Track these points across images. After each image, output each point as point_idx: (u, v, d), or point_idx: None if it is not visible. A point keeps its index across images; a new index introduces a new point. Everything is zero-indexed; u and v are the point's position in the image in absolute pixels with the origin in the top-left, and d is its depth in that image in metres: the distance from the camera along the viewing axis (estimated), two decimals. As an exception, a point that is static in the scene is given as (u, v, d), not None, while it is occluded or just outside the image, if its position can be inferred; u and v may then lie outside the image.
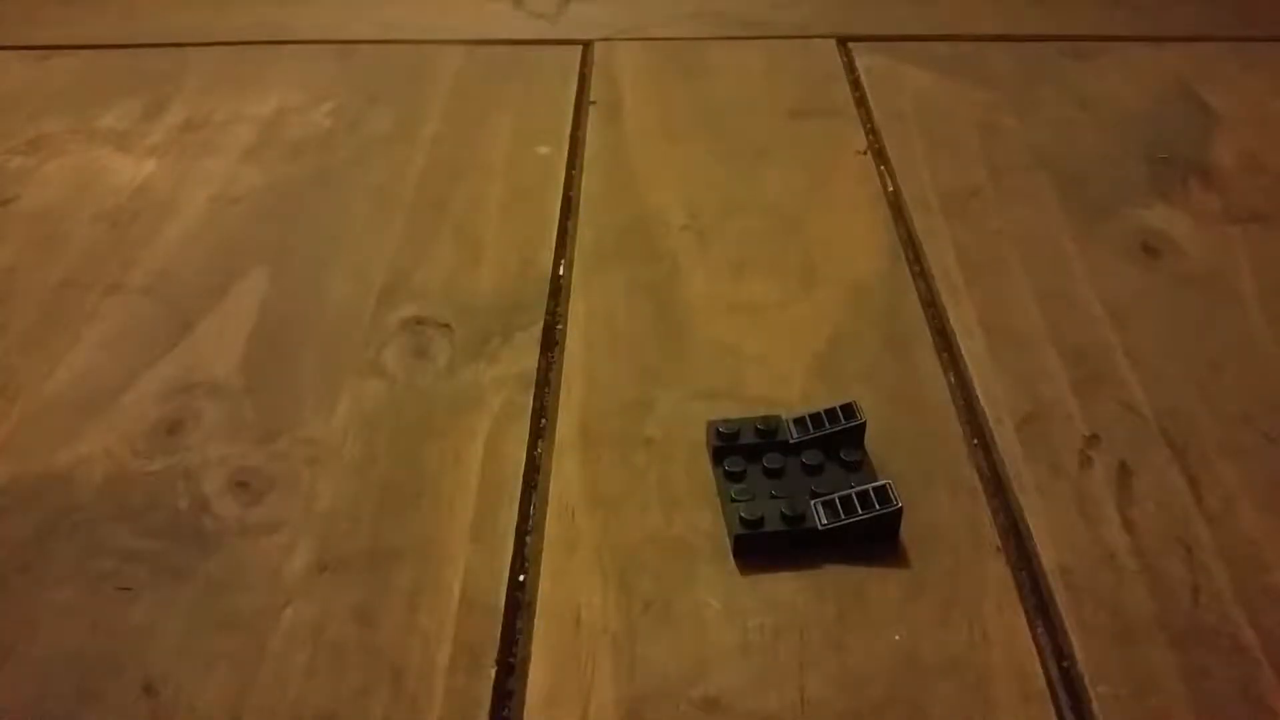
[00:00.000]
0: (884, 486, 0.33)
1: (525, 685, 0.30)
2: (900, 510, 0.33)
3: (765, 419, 0.37)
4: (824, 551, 0.33)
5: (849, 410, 0.36)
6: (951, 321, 0.43)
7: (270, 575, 0.33)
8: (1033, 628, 0.31)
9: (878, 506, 0.33)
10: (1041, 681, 0.30)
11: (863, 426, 0.36)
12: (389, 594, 0.32)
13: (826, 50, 0.65)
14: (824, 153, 0.55)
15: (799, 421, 0.37)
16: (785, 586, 0.33)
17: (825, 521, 0.33)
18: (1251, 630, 0.31)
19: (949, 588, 0.32)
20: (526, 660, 0.30)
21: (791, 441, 0.36)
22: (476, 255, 0.47)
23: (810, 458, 0.36)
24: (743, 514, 0.33)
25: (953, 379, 0.40)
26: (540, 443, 0.38)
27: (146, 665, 0.30)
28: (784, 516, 0.33)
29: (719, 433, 0.36)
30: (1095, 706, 0.29)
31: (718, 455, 0.36)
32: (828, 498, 0.34)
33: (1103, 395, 0.39)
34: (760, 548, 0.33)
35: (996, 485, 0.36)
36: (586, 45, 0.66)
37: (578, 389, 0.40)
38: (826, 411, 0.36)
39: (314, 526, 0.35)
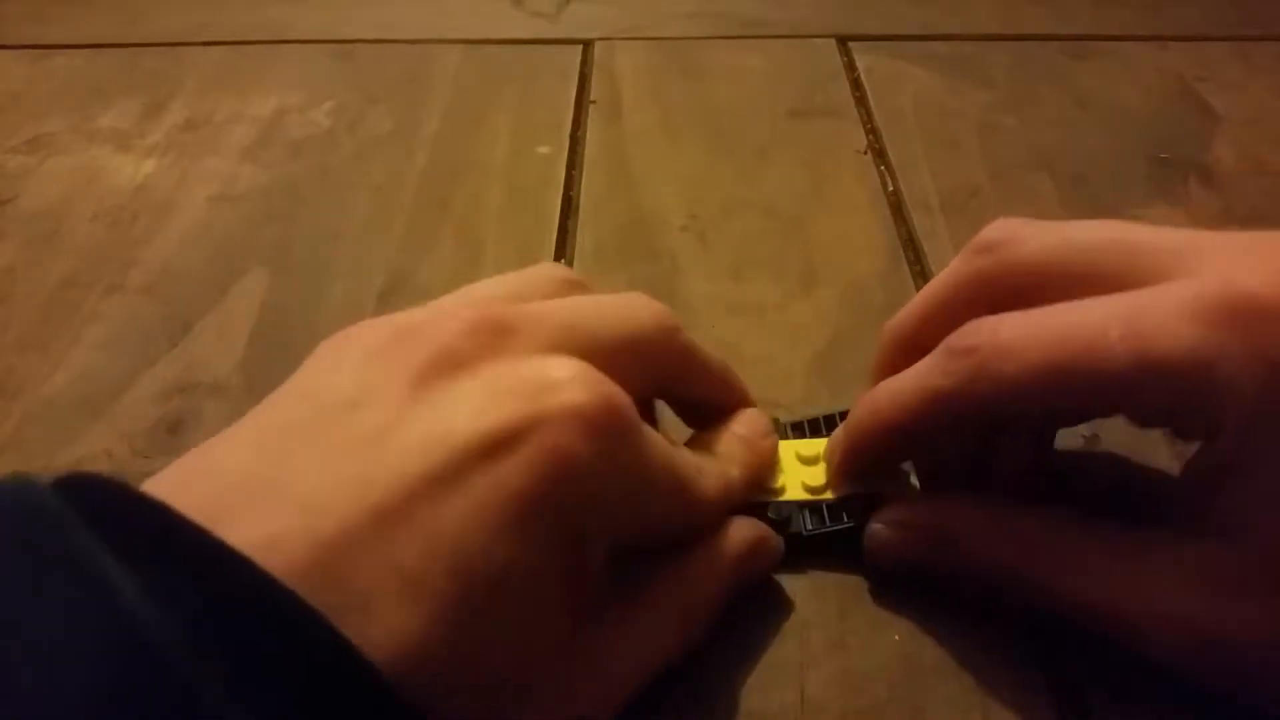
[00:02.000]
0: (870, 495, 0.33)
1: (525, 685, 0.30)
2: None
3: None
4: (821, 553, 0.33)
5: (847, 417, 0.36)
6: (952, 321, 0.43)
7: (270, 575, 0.33)
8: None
9: (864, 513, 0.33)
10: (1042, 681, 0.30)
11: None
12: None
13: (826, 50, 0.65)
14: (824, 153, 0.55)
15: (796, 426, 0.36)
16: (785, 586, 0.33)
17: (810, 527, 0.33)
18: (1252, 630, 0.31)
19: (949, 587, 0.32)
20: (526, 660, 0.30)
21: None
22: (476, 255, 0.48)
23: None
24: None
25: (953, 379, 0.40)
26: (540, 443, 0.38)
27: (146, 665, 0.30)
28: (770, 521, 0.33)
29: None
30: (1095, 706, 0.29)
31: None
32: (815, 503, 0.33)
33: (1103, 395, 0.39)
34: None
35: (997, 485, 0.36)
36: (586, 45, 0.66)
37: (578, 389, 0.40)
38: (825, 417, 0.36)
39: (314, 526, 0.34)
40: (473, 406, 0.24)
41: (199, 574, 0.19)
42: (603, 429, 0.25)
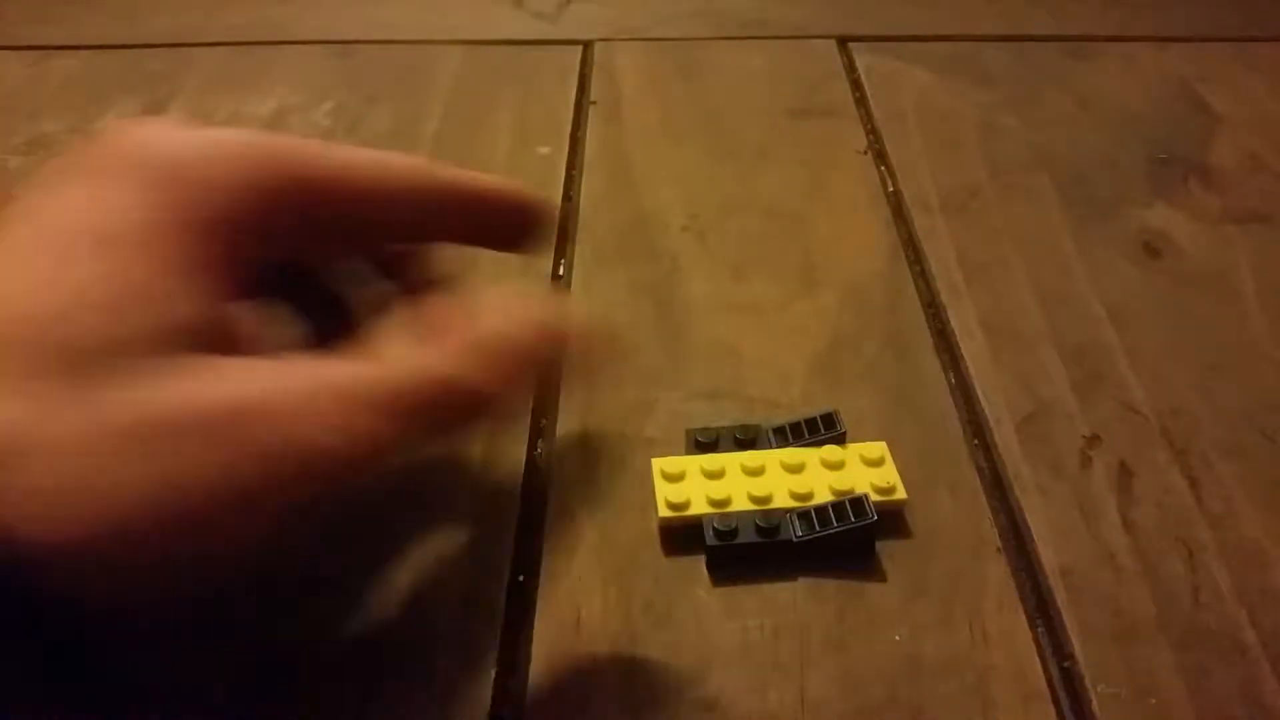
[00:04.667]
0: (860, 498, 0.33)
1: (525, 685, 0.30)
2: (875, 523, 0.33)
3: (744, 428, 0.36)
4: (817, 556, 0.33)
5: (829, 420, 0.36)
6: (951, 321, 0.43)
7: (270, 575, 0.33)
8: (1033, 628, 0.31)
9: (853, 519, 0.33)
10: (1041, 681, 0.30)
11: (843, 436, 0.36)
12: (389, 594, 0.32)
13: (826, 50, 0.65)
14: (824, 153, 0.55)
15: (779, 431, 0.36)
16: (785, 587, 0.33)
17: (800, 533, 0.33)
18: (1252, 630, 0.31)
19: (949, 588, 0.33)
20: (526, 660, 0.30)
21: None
22: (475, 255, 0.47)
23: None
24: (716, 525, 0.33)
25: (953, 379, 0.40)
26: (540, 443, 0.38)
27: (146, 665, 0.30)
28: (758, 528, 0.33)
29: (697, 442, 0.36)
30: (1095, 706, 0.29)
31: None
32: (804, 509, 0.33)
33: (1103, 395, 0.39)
34: (735, 560, 0.33)
35: (997, 485, 0.36)
36: (586, 45, 0.66)
37: (578, 389, 0.40)
38: (806, 421, 0.36)
39: (314, 527, 0.34)
40: None
41: None
42: None
